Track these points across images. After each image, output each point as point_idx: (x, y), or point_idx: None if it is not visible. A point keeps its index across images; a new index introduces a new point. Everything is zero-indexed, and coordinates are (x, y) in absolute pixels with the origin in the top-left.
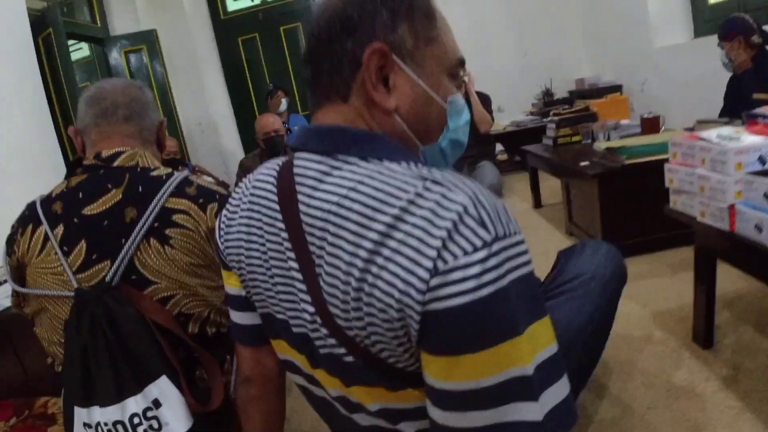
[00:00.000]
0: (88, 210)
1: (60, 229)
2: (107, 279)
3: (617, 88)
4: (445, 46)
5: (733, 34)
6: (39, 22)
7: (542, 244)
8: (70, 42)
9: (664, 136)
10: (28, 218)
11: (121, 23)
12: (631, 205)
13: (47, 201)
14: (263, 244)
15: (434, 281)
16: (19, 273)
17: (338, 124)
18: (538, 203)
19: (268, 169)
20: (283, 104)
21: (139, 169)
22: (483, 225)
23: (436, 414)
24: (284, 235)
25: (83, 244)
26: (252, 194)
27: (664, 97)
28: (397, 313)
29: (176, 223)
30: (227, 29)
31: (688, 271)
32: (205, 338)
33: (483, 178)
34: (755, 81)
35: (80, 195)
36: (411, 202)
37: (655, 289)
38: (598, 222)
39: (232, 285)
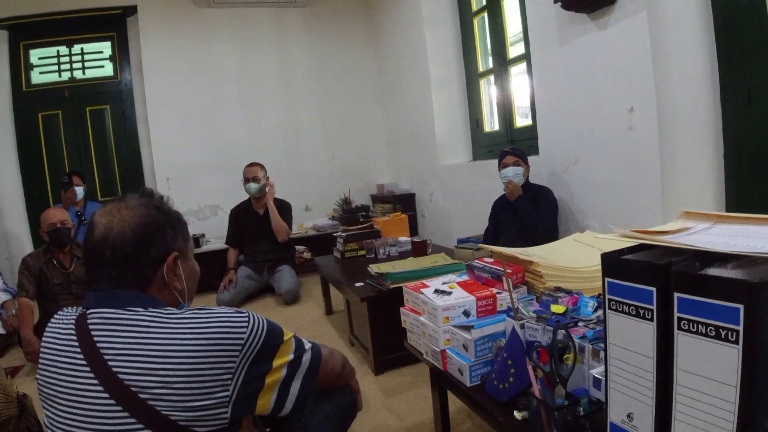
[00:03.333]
0: None
1: None
2: None
3: (411, 196)
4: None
5: (527, 160)
6: None
7: None
8: None
9: (428, 260)
10: None
11: None
12: (396, 323)
13: None
14: None
15: None
16: None
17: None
18: (329, 310)
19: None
20: (80, 193)
21: None
22: None
23: None
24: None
25: None
26: None
27: (448, 207)
28: None
29: None
30: (28, 102)
31: None
32: None
33: (281, 283)
34: (512, 204)
35: None
36: None
37: (414, 401)
38: (369, 338)
39: None
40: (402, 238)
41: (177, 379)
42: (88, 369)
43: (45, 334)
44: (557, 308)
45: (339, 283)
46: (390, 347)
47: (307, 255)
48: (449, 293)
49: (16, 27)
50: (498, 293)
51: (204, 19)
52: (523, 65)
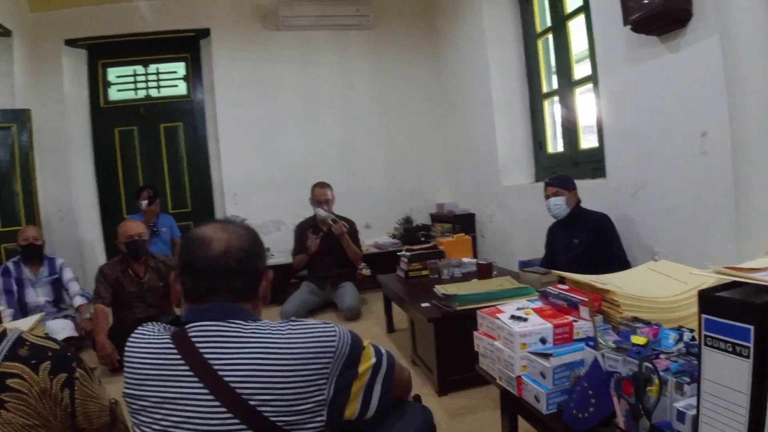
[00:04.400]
0: None
1: None
2: None
3: (471, 217)
4: None
5: (572, 187)
6: None
7: None
8: None
9: (493, 283)
10: None
11: None
12: (462, 344)
13: None
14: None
15: None
16: None
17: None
18: (391, 328)
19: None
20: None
21: None
22: None
23: None
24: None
25: None
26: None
27: (509, 229)
28: None
29: (10, 387)
30: (106, 118)
31: None
32: None
33: (343, 300)
34: (568, 230)
35: None
36: None
37: (478, 423)
38: (435, 359)
39: None
40: (466, 260)
41: (281, 384)
42: (195, 378)
43: (131, 350)
44: (638, 339)
45: (403, 302)
46: (454, 368)
47: (366, 272)
48: (525, 319)
49: (95, 47)
50: (574, 321)
51: (271, 41)
52: (589, 86)
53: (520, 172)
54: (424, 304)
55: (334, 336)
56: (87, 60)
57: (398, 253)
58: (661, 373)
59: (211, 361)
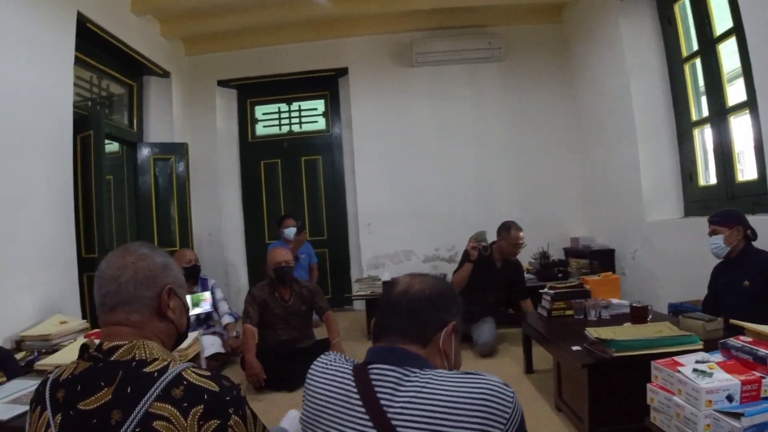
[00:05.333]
0: (83, 405)
1: (59, 418)
2: None
3: (610, 253)
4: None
5: (734, 224)
6: (81, 122)
7: (530, 419)
8: None
9: (650, 329)
10: (38, 399)
11: (155, 131)
12: (618, 394)
13: (54, 385)
14: None
15: None
16: None
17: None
18: (529, 368)
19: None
20: (292, 231)
21: (134, 364)
22: None
23: None
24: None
25: None
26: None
27: (654, 268)
28: None
29: (155, 429)
30: (253, 151)
31: None
32: None
33: (481, 334)
34: (735, 270)
35: (78, 387)
36: None
37: None
38: (586, 407)
39: None
40: (615, 301)
41: None
42: (368, 420)
43: (314, 377)
44: None
45: (548, 343)
46: (607, 419)
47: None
48: (710, 374)
49: (244, 86)
50: (762, 377)
51: (405, 77)
52: (746, 112)
53: (668, 207)
54: (574, 348)
55: (511, 401)
56: (237, 98)
57: (540, 291)
58: None
59: (385, 407)
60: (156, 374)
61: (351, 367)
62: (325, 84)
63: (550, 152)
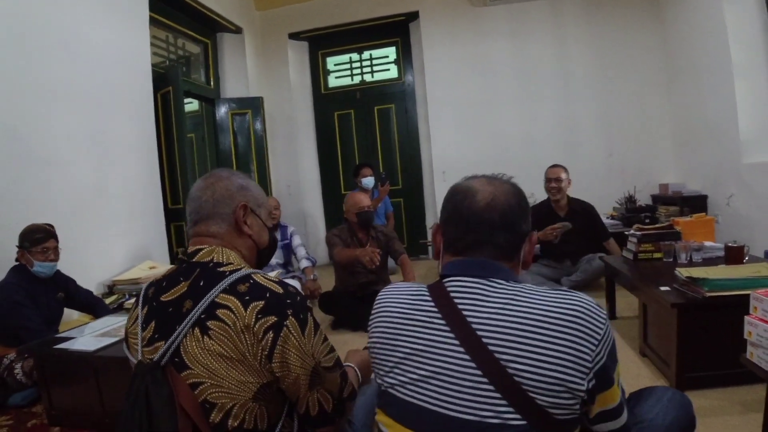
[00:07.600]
0: (164, 297)
1: (145, 310)
2: (156, 358)
3: (702, 199)
4: None
5: None
6: (160, 79)
7: None
8: None
9: (747, 269)
10: (138, 297)
11: (231, 87)
12: (708, 337)
13: (150, 285)
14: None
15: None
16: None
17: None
18: (612, 315)
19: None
20: (371, 183)
21: (211, 264)
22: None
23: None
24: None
25: (153, 324)
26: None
27: (751, 214)
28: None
29: (218, 317)
30: (326, 103)
31: (759, 411)
32: (224, 430)
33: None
34: None
35: (164, 284)
36: None
37: (723, 429)
38: (674, 350)
39: None
40: (708, 243)
41: (541, 356)
42: (449, 330)
43: (383, 303)
44: None
45: (634, 286)
46: (697, 364)
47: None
48: None
49: (315, 38)
50: None
51: (480, 17)
52: None
53: (766, 147)
54: (663, 288)
55: (603, 322)
56: (308, 50)
57: (626, 233)
58: None
59: (469, 318)
60: (228, 273)
61: (425, 286)
62: (396, 30)
63: (637, 92)
